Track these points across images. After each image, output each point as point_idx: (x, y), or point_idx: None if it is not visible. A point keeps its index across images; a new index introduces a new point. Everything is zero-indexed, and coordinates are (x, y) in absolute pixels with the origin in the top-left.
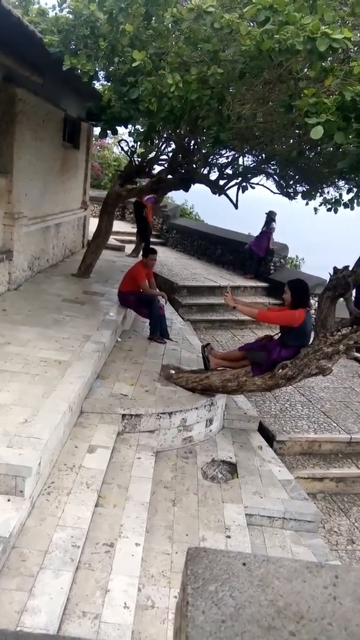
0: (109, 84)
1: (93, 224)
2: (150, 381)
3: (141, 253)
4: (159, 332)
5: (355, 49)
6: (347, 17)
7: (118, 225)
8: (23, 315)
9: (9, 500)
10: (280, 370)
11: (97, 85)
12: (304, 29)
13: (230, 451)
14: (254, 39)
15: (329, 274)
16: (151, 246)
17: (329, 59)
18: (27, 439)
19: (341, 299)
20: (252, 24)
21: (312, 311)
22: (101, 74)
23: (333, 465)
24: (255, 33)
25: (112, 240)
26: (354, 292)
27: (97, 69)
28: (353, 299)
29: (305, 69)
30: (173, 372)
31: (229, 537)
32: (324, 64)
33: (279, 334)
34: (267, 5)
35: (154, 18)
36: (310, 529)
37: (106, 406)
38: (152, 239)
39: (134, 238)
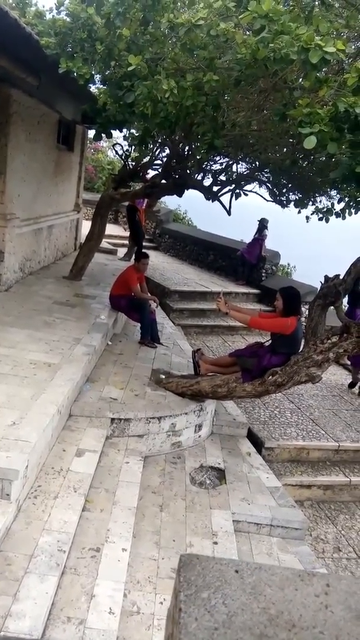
0: (105, 87)
1: (86, 226)
2: (140, 385)
3: (133, 257)
4: (150, 336)
5: (350, 60)
6: (342, 29)
7: (111, 229)
8: (13, 317)
9: None
10: (270, 377)
11: (92, 88)
12: (299, 39)
13: (219, 457)
14: (250, 48)
15: (320, 282)
16: (143, 250)
17: (323, 69)
18: (15, 441)
19: (332, 307)
20: (248, 32)
21: (303, 319)
22: (97, 77)
23: (321, 473)
24: (250, 41)
25: (104, 243)
26: (344, 300)
27: (93, 72)
28: (344, 307)
29: (300, 79)
30: (163, 376)
31: (216, 543)
32: (318, 74)
33: (270, 341)
34: (262, 14)
35: (151, 23)
36: (297, 537)
37: (95, 410)
38: (144, 243)
39: (126, 242)
